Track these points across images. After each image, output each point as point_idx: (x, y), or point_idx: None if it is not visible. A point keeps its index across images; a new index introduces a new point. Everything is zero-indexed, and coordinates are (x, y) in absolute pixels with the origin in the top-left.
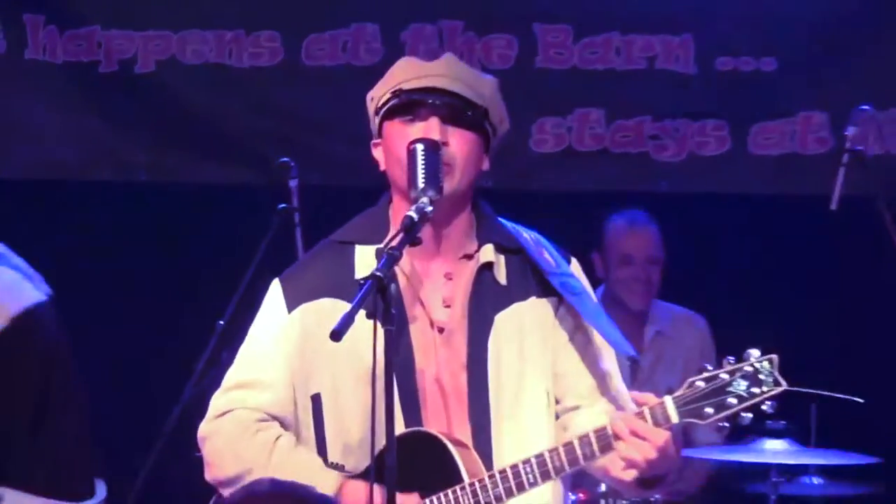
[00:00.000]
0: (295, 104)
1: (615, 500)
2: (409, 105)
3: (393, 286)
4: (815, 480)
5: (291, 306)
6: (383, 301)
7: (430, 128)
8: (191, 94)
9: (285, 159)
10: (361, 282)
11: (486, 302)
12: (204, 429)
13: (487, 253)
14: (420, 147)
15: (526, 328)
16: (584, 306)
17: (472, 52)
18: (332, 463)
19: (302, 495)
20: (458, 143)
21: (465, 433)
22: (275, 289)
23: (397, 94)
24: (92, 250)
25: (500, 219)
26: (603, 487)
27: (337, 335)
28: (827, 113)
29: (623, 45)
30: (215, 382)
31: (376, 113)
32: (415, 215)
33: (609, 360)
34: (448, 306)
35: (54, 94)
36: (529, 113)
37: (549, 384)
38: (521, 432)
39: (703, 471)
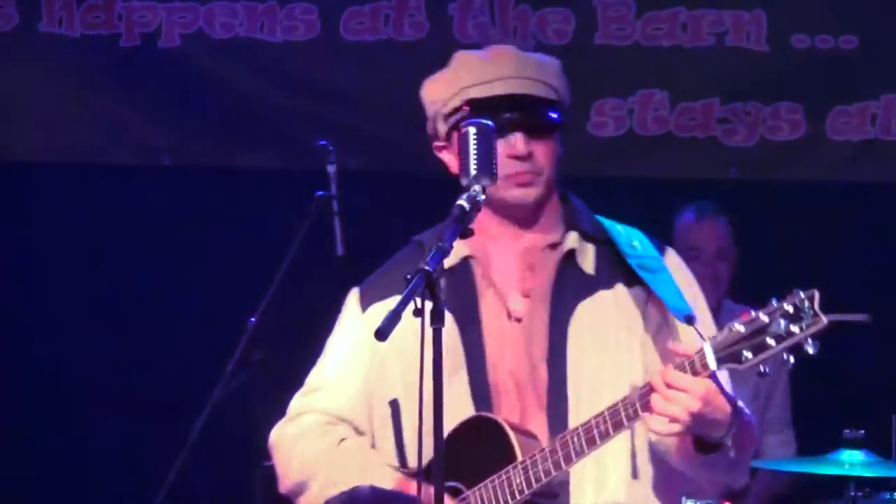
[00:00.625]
0: (332, 82)
1: None
2: (486, 116)
3: (443, 281)
4: None
5: (365, 307)
6: (432, 297)
7: (514, 144)
8: (219, 71)
9: (323, 142)
10: (408, 277)
11: (568, 290)
12: (273, 436)
13: (572, 240)
14: (472, 131)
15: (611, 317)
16: (654, 278)
17: (525, 26)
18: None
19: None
20: (543, 152)
21: (540, 427)
22: (353, 294)
23: (470, 104)
24: (111, 241)
25: (595, 215)
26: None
27: (381, 334)
28: None
29: (690, 20)
30: (246, 383)
31: (443, 119)
32: (466, 204)
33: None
34: (527, 297)
35: (70, 71)
36: (588, 94)
37: (635, 377)
38: None
39: (772, 487)
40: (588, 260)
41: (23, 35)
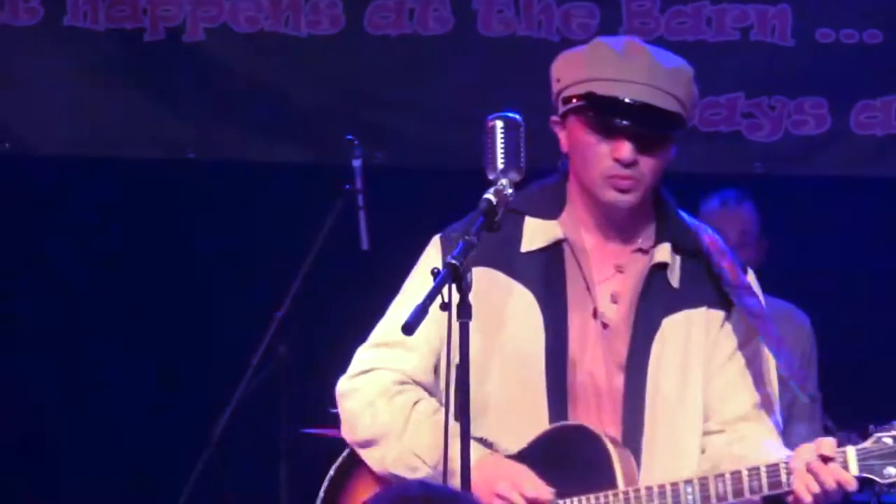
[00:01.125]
0: (357, 76)
1: None
2: (600, 115)
3: (469, 275)
4: None
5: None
6: (459, 291)
7: (620, 149)
8: (243, 65)
9: (349, 137)
10: (435, 271)
11: (655, 303)
12: (343, 385)
13: (663, 252)
14: (500, 124)
15: (693, 338)
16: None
17: (550, 20)
18: (480, 439)
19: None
20: (649, 163)
21: (615, 435)
22: (434, 245)
23: (590, 98)
24: (136, 235)
25: (682, 214)
26: None
27: (409, 329)
28: None
29: (714, 14)
30: (272, 377)
31: (562, 100)
32: (493, 198)
33: (768, 386)
34: (615, 302)
35: (95, 65)
36: None
37: (701, 404)
38: (674, 445)
39: None
40: (676, 274)
41: (48, 29)
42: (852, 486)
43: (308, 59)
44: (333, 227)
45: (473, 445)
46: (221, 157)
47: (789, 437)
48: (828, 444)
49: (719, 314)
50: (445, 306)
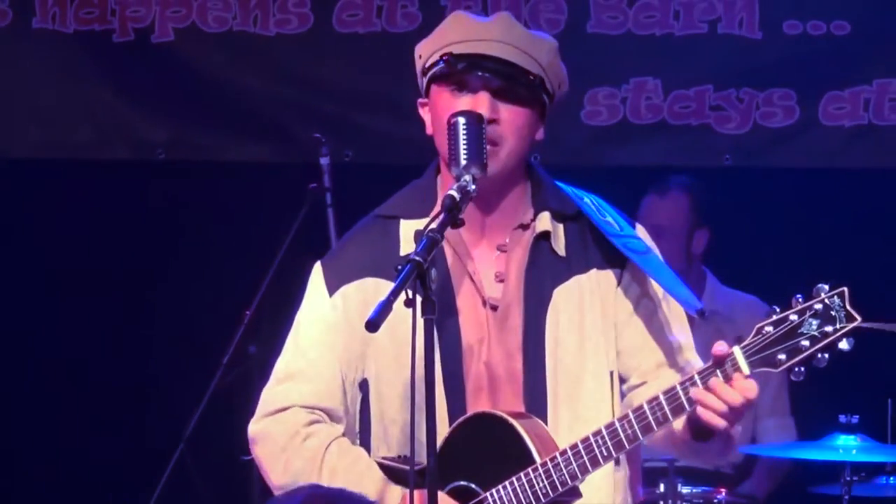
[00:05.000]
0: (326, 75)
1: (675, 501)
2: (458, 73)
3: (433, 271)
4: (893, 480)
5: (332, 289)
6: (423, 288)
7: (479, 102)
8: (213, 65)
9: (316, 135)
10: (399, 267)
11: (543, 275)
12: (253, 429)
13: (544, 221)
14: (462, 121)
15: (586, 303)
16: (649, 264)
17: (518, 15)
18: (398, 456)
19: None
20: (509, 119)
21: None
22: (316, 272)
23: (446, 58)
24: (106, 235)
25: (558, 183)
26: (662, 488)
27: (372, 326)
28: None
29: (682, 8)
30: (242, 377)
31: (423, 73)
32: (456, 194)
33: (679, 330)
34: (501, 281)
35: (65, 67)
36: (581, 83)
37: (613, 364)
38: (579, 418)
39: (775, 473)
40: (560, 241)
41: (17, 31)
42: (752, 391)
43: (277, 58)
44: (303, 225)
45: (375, 475)
46: (192, 158)
47: (760, 432)
48: (717, 348)
49: (612, 273)
50: (409, 303)
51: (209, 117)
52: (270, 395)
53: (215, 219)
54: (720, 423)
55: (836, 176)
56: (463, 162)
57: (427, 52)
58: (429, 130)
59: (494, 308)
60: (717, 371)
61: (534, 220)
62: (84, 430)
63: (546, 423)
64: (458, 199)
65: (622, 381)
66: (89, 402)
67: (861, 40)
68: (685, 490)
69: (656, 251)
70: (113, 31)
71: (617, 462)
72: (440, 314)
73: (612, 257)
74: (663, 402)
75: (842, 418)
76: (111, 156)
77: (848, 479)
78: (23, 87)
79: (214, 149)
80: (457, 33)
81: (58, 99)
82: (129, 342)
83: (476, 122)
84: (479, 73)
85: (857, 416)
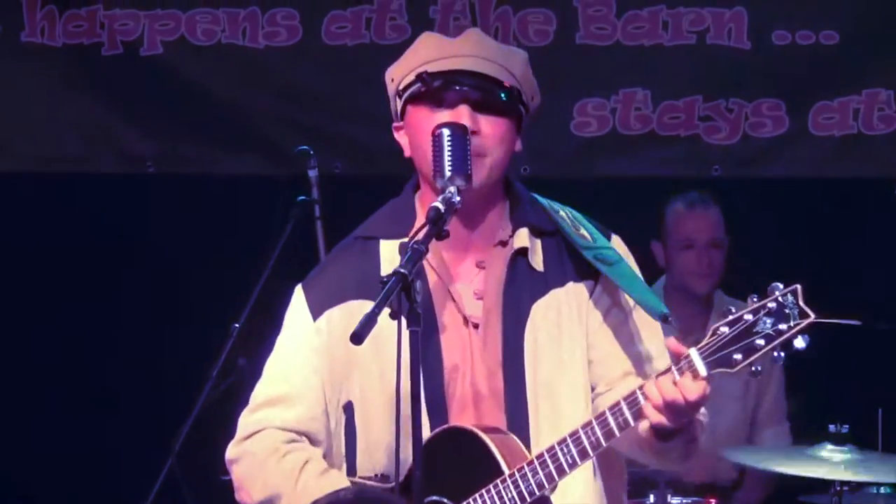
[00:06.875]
0: (314, 87)
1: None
2: (435, 90)
3: (418, 283)
4: (883, 490)
5: (316, 313)
6: (408, 300)
7: (460, 116)
8: (201, 78)
9: (304, 147)
10: (384, 280)
11: (521, 291)
12: (232, 451)
13: (522, 238)
14: (446, 132)
15: (564, 317)
16: (619, 274)
17: (507, 27)
18: (374, 475)
19: None
20: (490, 131)
21: None
22: (297, 296)
23: (422, 77)
24: (95, 249)
25: (535, 196)
26: (651, 499)
27: (357, 338)
28: (893, 90)
29: (671, 18)
30: (231, 391)
31: (398, 95)
32: (441, 206)
33: (649, 341)
34: (480, 298)
35: (54, 80)
36: (570, 93)
37: (586, 375)
38: (562, 433)
39: (765, 483)
40: (538, 257)
41: (5, 45)
42: (693, 393)
43: (266, 71)
44: (292, 238)
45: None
46: (181, 171)
47: (759, 442)
48: (671, 346)
49: (585, 286)
50: (395, 315)
51: (198, 130)
52: (250, 420)
53: (204, 231)
54: (659, 418)
55: (826, 186)
56: (448, 173)
57: (400, 74)
58: (407, 153)
59: (476, 326)
60: (674, 370)
61: (512, 236)
62: (71, 442)
63: (529, 438)
64: (442, 211)
65: (592, 389)
66: (77, 416)
67: (850, 50)
68: (674, 501)
69: (630, 261)
70: (102, 45)
71: (595, 473)
72: (422, 335)
73: (587, 270)
74: (624, 408)
75: (832, 428)
76: (100, 169)
77: (837, 488)
78: (12, 100)
79: (203, 161)
80: (429, 52)
81: (47, 112)
82: (117, 354)
83: (461, 133)
84: (457, 88)
85: (847, 426)
